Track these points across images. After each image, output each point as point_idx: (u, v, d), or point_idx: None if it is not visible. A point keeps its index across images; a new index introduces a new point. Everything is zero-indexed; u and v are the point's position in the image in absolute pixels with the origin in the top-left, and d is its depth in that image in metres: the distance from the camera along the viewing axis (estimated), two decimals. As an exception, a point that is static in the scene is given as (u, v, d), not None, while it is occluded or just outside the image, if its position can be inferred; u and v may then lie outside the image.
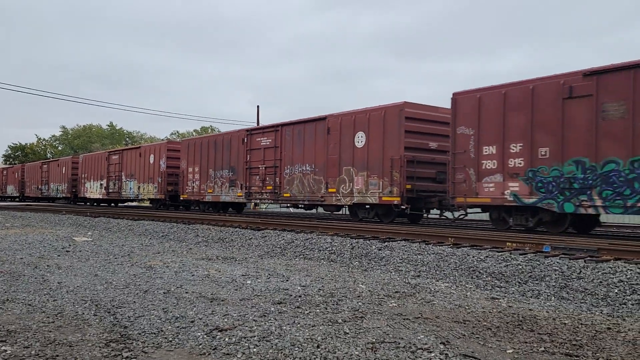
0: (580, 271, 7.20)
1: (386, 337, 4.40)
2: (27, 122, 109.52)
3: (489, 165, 12.42)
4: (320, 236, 11.48)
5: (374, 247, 9.85)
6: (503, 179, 12.09)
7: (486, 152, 12.48)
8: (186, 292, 6.26)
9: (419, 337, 4.40)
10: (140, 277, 7.32)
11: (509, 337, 4.53)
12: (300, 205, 18.88)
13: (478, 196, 12.61)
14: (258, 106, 38.18)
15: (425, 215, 16.92)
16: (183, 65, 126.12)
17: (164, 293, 6.20)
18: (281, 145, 18.93)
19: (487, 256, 8.41)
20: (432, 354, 3.94)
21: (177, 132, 76.21)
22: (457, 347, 4.15)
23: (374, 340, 4.30)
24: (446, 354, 3.95)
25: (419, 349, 4.07)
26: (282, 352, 3.96)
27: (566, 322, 5.12)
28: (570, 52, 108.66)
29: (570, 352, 4.12)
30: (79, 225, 18.04)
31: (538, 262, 7.78)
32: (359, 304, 5.75)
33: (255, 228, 13.72)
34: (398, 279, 7.61)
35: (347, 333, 4.50)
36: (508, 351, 4.12)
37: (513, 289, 6.94)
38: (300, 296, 6.10)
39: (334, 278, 7.51)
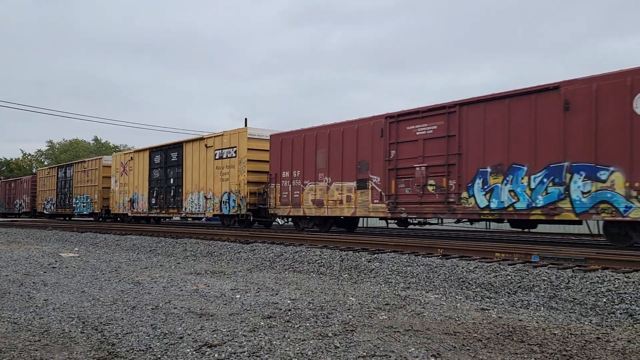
0: (569, 281, 7.24)
1: (377, 350, 4.38)
2: (12, 136, 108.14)
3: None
4: (309, 249, 11.45)
5: (363, 259, 9.84)
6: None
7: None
8: (175, 308, 6.20)
9: (409, 350, 4.38)
10: (128, 293, 7.23)
11: (499, 348, 4.53)
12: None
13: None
14: (246, 119, 37.84)
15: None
16: (161, 81, 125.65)
17: (152, 309, 6.13)
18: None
19: (476, 267, 8.43)
20: (423, 367, 3.93)
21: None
22: (448, 360, 4.14)
23: (365, 353, 4.28)
24: (437, 367, 3.93)
25: (410, 362, 4.06)
26: (272, 368, 3.92)
27: (556, 332, 5.13)
28: (538, 66, 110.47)
29: (561, 362, 4.13)
30: (66, 241, 17.83)
31: (527, 272, 7.81)
32: (349, 317, 5.72)
33: (244, 241, 13.66)
34: (388, 291, 7.60)
35: (338, 347, 4.47)
36: (499, 363, 4.12)
37: (502, 299, 6.95)
38: (290, 310, 6.06)
39: (323, 291, 7.48)
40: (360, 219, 18.13)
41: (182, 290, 7.53)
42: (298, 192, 17.21)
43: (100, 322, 5.43)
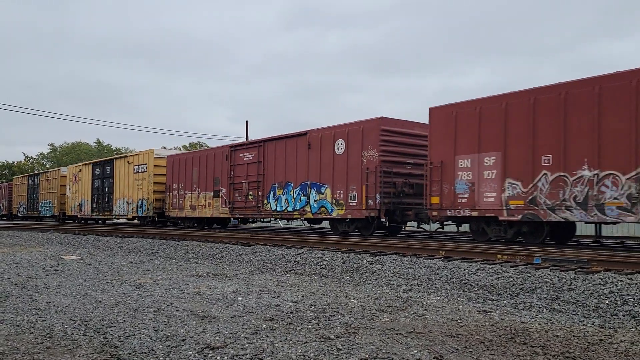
0: (571, 282, 7.23)
1: (379, 352, 4.37)
2: (13, 139, 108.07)
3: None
4: (311, 251, 11.44)
5: (365, 261, 9.83)
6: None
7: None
8: (177, 310, 6.20)
9: (412, 352, 4.38)
10: (130, 296, 7.24)
11: (502, 350, 4.53)
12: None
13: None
14: (247, 121, 37.77)
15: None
16: (158, 83, 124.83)
17: (155, 311, 6.14)
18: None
19: (478, 269, 8.42)
20: (426, 369, 3.92)
21: (165, 147, 75.78)
22: (451, 362, 4.14)
23: (367, 356, 4.27)
24: (440, 369, 3.93)
25: (413, 364, 4.05)
26: (274, 370, 3.92)
27: (559, 334, 5.13)
28: (530, 67, 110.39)
29: (564, 364, 4.12)
30: (68, 244, 17.85)
31: (529, 274, 7.80)
32: (351, 319, 5.72)
33: (246, 244, 13.66)
34: (390, 293, 7.59)
35: (340, 349, 4.47)
36: (501, 365, 4.11)
37: (505, 301, 6.95)
38: (292, 312, 6.06)
39: (325, 293, 7.48)
40: (231, 219, 23.99)
41: (184, 292, 7.53)
42: (182, 199, 23.21)
43: (103, 325, 5.43)
